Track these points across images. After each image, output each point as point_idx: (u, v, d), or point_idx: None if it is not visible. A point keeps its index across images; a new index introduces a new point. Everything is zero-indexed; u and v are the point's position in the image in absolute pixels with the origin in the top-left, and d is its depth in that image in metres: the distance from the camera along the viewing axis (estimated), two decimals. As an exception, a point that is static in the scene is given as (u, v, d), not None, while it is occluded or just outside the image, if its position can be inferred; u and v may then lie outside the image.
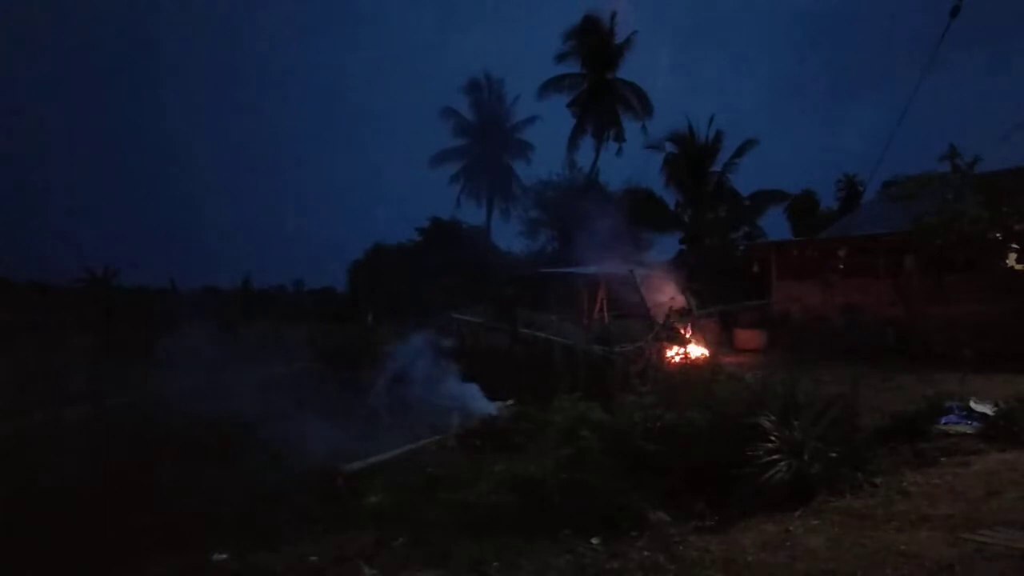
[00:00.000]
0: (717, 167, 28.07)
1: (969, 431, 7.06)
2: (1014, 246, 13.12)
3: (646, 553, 4.60)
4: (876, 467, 5.88)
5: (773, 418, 5.73)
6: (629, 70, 31.40)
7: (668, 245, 29.10)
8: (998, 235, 11.97)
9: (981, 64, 61.58)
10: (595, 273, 19.14)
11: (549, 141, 33.44)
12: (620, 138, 31.20)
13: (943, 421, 7.37)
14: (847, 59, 79.47)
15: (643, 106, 31.22)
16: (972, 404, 7.69)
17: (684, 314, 15.13)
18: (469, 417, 10.69)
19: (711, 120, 27.89)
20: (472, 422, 10.47)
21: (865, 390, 7.07)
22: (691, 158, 27.97)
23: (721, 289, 19.76)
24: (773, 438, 5.50)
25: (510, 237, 33.70)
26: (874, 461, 6.01)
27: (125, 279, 26.02)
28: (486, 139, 32.85)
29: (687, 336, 14.54)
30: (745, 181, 29.67)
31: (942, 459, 6.15)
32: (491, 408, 11.19)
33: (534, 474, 7.01)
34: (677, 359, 13.89)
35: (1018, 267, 14.41)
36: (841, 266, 18.05)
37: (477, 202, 33.32)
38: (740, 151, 27.52)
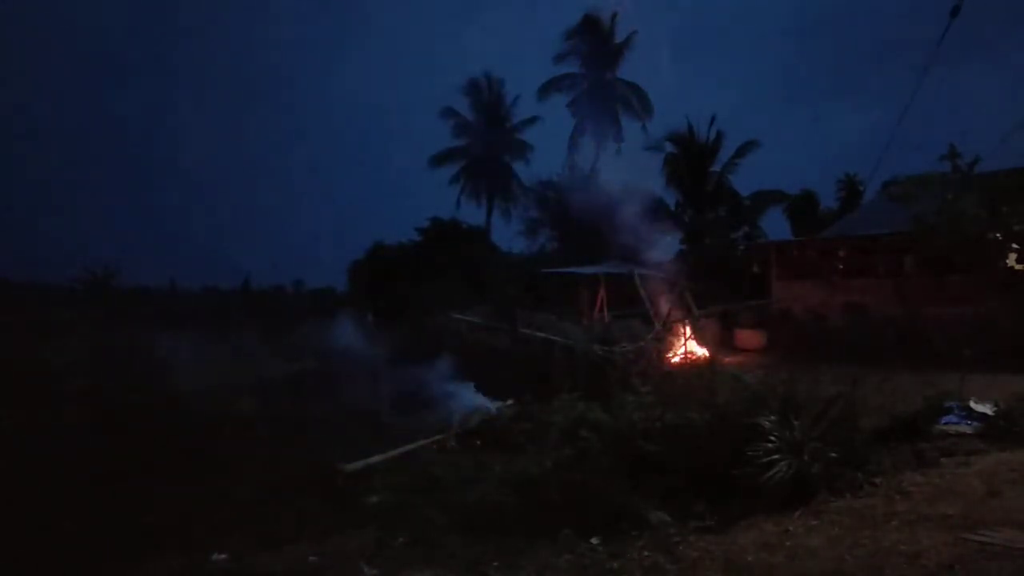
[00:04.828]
0: (717, 167, 28.09)
1: (969, 431, 7.06)
2: (1014, 246, 13.12)
3: (646, 553, 4.60)
4: (876, 467, 5.88)
5: (773, 418, 5.73)
6: (629, 70, 31.44)
7: (668, 245, 29.06)
8: (998, 235, 11.97)
9: (981, 64, 61.58)
10: (595, 273, 19.15)
11: (549, 141, 33.43)
12: (620, 138, 31.26)
13: (943, 421, 7.37)
14: (847, 59, 79.50)
15: (643, 106, 31.25)
16: (972, 404, 7.70)
17: (685, 315, 15.15)
18: (469, 417, 10.69)
19: (712, 120, 27.93)
20: (472, 422, 10.47)
21: (865, 390, 7.06)
22: (691, 158, 27.98)
23: (721, 289, 19.76)
24: (773, 438, 5.50)
25: (510, 237, 33.74)
26: (874, 461, 6.00)
27: (125, 279, 26.04)
28: (486, 139, 32.83)
29: (686, 338, 14.56)
30: (745, 181, 29.71)
31: (942, 459, 6.15)
32: (491, 407, 11.19)
33: (534, 474, 7.02)
34: (677, 359, 13.91)
35: (1018, 267, 14.41)
36: (841, 266, 18.06)
37: (477, 202, 33.30)
38: (740, 152, 27.54)
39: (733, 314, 18.32)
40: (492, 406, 11.23)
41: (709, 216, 28.43)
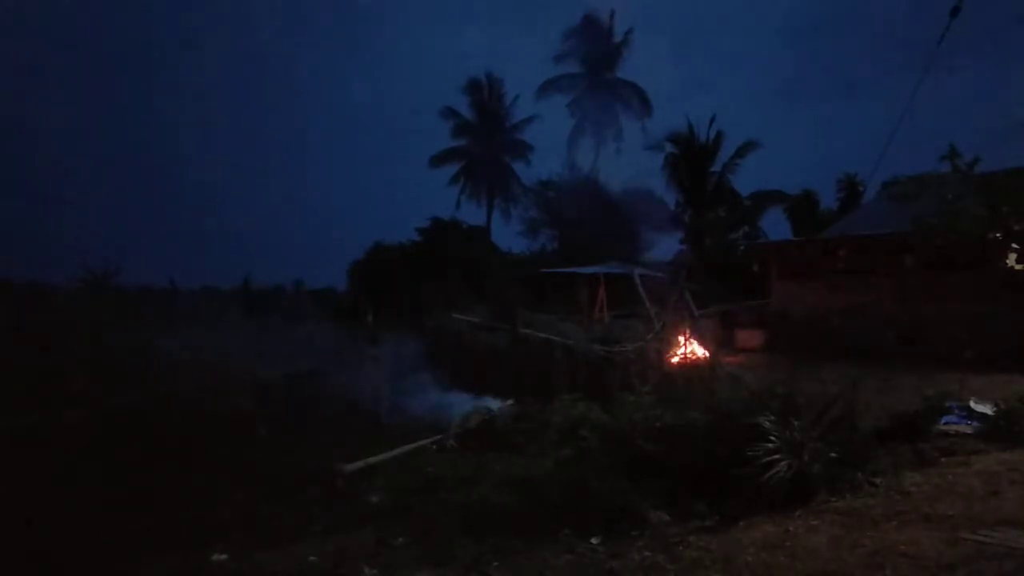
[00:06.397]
0: (717, 167, 28.12)
1: (969, 431, 7.08)
2: (1014, 246, 13.12)
3: (646, 553, 4.60)
4: (876, 467, 5.88)
5: (773, 418, 5.73)
6: (628, 70, 31.48)
7: (668, 245, 29.14)
8: (998, 235, 11.95)
9: (982, 64, 61.54)
10: (595, 273, 19.17)
11: (549, 141, 33.45)
12: (620, 138, 31.32)
13: (943, 421, 7.39)
14: (847, 58, 79.45)
15: (643, 106, 31.29)
16: (972, 404, 7.72)
17: (685, 315, 15.14)
18: (469, 417, 10.69)
19: (712, 120, 27.94)
20: (472, 422, 10.47)
21: (865, 390, 7.07)
22: (691, 158, 27.99)
23: (721, 289, 19.79)
24: (773, 438, 5.50)
25: (510, 237, 33.75)
26: (874, 461, 6.01)
27: (126, 279, 25.95)
28: (486, 139, 32.84)
29: (686, 338, 14.55)
30: (745, 181, 29.74)
31: (942, 459, 6.16)
32: (491, 407, 11.19)
33: (534, 474, 7.03)
34: (677, 359, 13.90)
35: (1018, 267, 14.42)
36: (841, 266, 18.05)
37: (477, 202, 33.33)
38: (740, 151, 27.55)
39: (733, 314, 18.32)
40: (492, 406, 11.23)
41: (709, 216, 28.46)
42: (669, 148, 28.63)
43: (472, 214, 32.93)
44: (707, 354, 14.27)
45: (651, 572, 4.22)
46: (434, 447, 9.66)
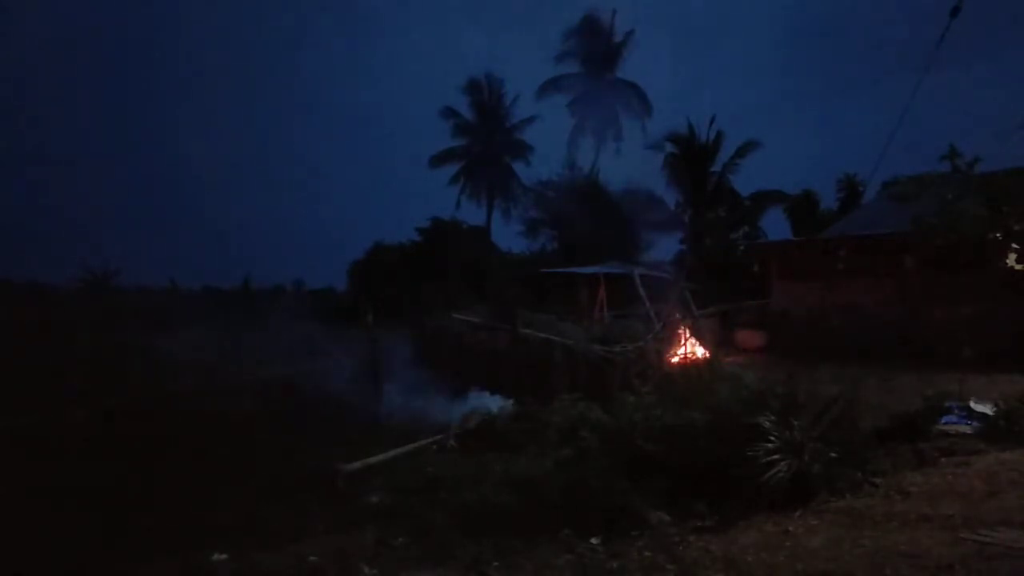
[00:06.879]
0: (717, 167, 28.10)
1: (969, 431, 7.07)
2: (1014, 246, 13.11)
3: (646, 553, 4.60)
4: (876, 467, 5.88)
5: (773, 418, 5.73)
6: (628, 70, 31.47)
7: (668, 245, 29.14)
8: (998, 235, 11.96)
9: (981, 64, 61.52)
10: (595, 273, 19.16)
11: (549, 141, 33.40)
12: (620, 138, 31.31)
13: (943, 421, 7.38)
14: (847, 59, 79.47)
15: (643, 106, 31.28)
16: (972, 404, 7.71)
17: (685, 315, 15.15)
18: (469, 417, 10.69)
19: (712, 120, 27.91)
20: (472, 422, 10.47)
21: (865, 390, 7.08)
22: (691, 158, 27.97)
23: (721, 289, 19.79)
24: (773, 438, 5.50)
25: (510, 237, 33.71)
26: (874, 461, 6.01)
27: (126, 279, 26.02)
28: (486, 139, 32.82)
29: (686, 338, 14.56)
30: (745, 181, 29.73)
31: (942, 459, 6.15)
32: (491, 407, 11.19)
33: (534, 474, 7.02)
34: (677, 359, 13.91)
35: (1018, 267, 14.41)
36: (841, 266, 18.04)
37: (477, 202, 33.29)
38: (741, 152, 27.53)
39: (733, 314, 18.32)
40: (492, 406, 11.23)
41: (709, 216, 28.44)
42: (669, 148, 28.61)
43: (472, 214, 32.95)
44: (707, 354, 14.28)
45: (651, 572, 4.22)
46: (434, 447, 9.65)
